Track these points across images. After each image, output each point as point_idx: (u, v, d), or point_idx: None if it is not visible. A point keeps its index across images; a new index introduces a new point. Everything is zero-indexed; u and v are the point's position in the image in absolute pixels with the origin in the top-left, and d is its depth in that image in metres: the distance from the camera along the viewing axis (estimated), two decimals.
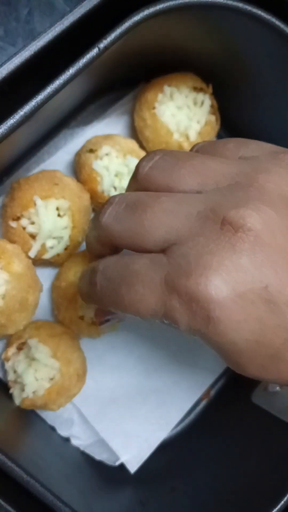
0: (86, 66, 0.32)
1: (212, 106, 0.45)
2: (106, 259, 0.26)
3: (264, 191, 0.23)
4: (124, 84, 0.46)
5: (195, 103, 0.45)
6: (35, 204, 0.40)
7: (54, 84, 0.31)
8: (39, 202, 0.40)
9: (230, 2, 0.34)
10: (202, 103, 0.45)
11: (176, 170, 0.26)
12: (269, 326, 0.23)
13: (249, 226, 0.22)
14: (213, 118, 0.46)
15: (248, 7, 0.34)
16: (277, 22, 0.35)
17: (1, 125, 0.30)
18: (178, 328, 0.24)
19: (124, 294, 0.24)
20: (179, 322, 0.23)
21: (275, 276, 0.22)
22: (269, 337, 0.23)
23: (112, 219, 0.26)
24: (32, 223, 0.41)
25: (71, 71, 0.31)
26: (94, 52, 0.32)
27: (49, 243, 0.41)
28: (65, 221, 0.41)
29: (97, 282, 0.26)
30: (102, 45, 0.32)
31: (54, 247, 0.42)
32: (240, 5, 0.34)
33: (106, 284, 0.25)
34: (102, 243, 0.27)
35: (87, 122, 0.47)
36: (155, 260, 0.24)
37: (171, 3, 0.33)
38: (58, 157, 0.46)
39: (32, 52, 0.30)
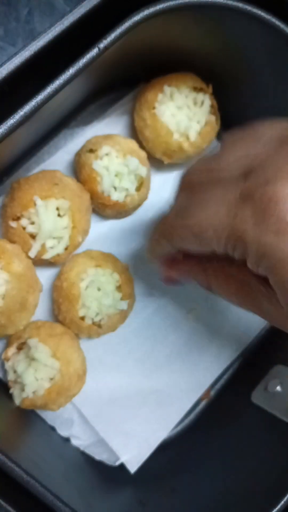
0: (86, 66, 0.32)
1: (212, 106, 0.45)
2: (179, 196, 0.30)
3: None
4: (124, 84, 0.47)
5: (195, 103, 0.45)
6: (35, 204, 0.40)
7: (54, 84, 0.31)
8: (39, 202, 0.40)
9: (230, 2, 0.34)
10: (202, 103, 0.45)
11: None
12: None
13: None
14: (213, 118, 0.46)
15: (248, 7, 0.35)
16: (277, 22, 0.35)
17: (1, 125, 0.30)
18: (242, 248, 0.24)
19: (196, 212, 0.26)
20: (248, 234, 0.23)
21: None
22: None
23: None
24: (32, 223, 0.41)
25: (71, 71, 0.31)
26: (94, 52, 0.32)
27: (49, 243, 0.41)
28: (65, 221, 0.42)
29: (170, 216, 0.30)
30: (102, 45, 0.32)
31: (54, 247, 0.42)
32: (240, 5, 0.34)
33: (181, 212, 0.28)
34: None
35: (87, 122, 0.47)
36: (232, 182, 0.25)
37: (171, 3, 0.33)
38: (58, 157, 0.46)
39: (32, 52, 0.30)
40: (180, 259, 0.36)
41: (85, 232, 0.44)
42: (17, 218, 0.41)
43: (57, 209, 0.41)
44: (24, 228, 0.41)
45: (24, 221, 0.41)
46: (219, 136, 0.50)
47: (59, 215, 0.42)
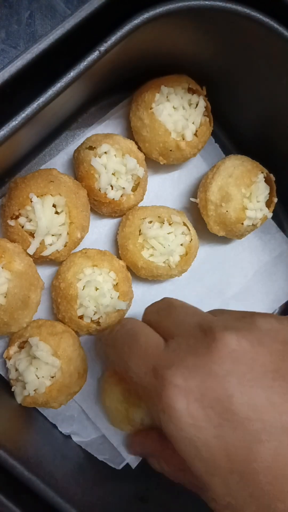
0: (87, 68, 0.32)
1: (205, 107, 0.46)
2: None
3: (255, 328, 0.29)
4: (124, 86, 0.47)
5: (189, 105, 0.45)
6: (31, 201, 0.41)
7: (55, 87, 0.31)
8: (35, 199, 0.40)
9: (229, 6, 0.34)
10: (197, 104, 0.45)
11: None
12: (227, 435, 0.25)
13: (227, 342, 0.27)
14: (207, 120, 0.46)
15: (247, 10, 0.35)
16: (275, 25, 0.35)
17: (3, 127, 0.31)
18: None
19: (126, 352, 0.33)
20: (150, 401, 0.29)
21: (239, 388, 0.26)
22: (228, 447, 0.25)
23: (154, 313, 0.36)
24: (30, 220, 0.41)
25: (72, 73, 0.32)
26: (94, 55, 0.32)
27: (48, 240, 0.42)
28: (62, 218, 0.42)
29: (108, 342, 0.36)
30: (102, 48, 0.32)
31: (53, 244, 0.42)
32: (239, 8, 0.35)
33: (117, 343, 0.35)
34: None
35: (88, 124, 0.47)
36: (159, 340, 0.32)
37: (170, 6, 0.34)
38: (59, 159, 0.46)
39: (34, 55, 0.30)
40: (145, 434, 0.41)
41: (84, 228, 0.44)
42: (16, 217, 0.41)
43: (54, 206, 0.42)
44: (22, 226, 0.41)
45: (22, 219, 0.41)
46: (214, 136, 0.50)
47: (56, 212, 0.42)
